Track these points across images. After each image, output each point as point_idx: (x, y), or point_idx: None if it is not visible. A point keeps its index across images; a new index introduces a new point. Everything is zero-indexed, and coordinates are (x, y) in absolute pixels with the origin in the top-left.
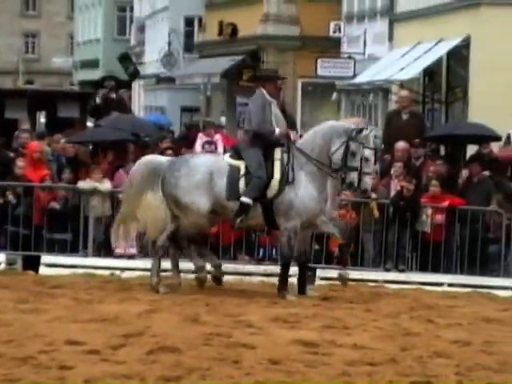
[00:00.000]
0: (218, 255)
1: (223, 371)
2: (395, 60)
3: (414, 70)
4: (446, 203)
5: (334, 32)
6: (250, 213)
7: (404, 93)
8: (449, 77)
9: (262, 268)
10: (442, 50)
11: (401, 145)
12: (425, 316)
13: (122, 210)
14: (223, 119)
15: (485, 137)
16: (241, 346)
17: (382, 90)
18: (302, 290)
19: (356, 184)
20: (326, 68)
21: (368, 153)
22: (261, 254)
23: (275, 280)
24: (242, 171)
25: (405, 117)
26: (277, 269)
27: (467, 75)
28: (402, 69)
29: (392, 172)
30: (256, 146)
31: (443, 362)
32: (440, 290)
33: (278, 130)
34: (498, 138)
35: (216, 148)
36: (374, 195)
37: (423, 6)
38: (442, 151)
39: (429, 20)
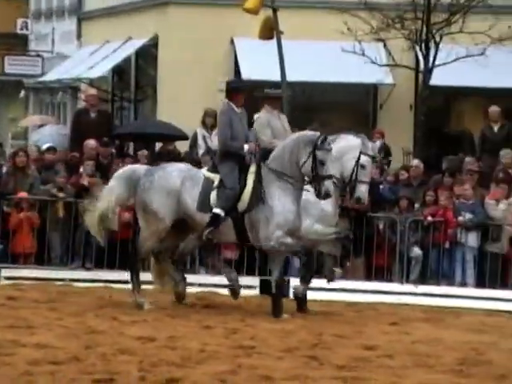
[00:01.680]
0: None
1: None
2: (84, 58)
3: (102, 69)
4: None
5: (21, 29)
6: (220, 227)
7: (92, 91)
8: (138, 75)
9: None
10: (130, 49)
11: (90, 143)
12: (110, 314)
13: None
14: None
15: (171, 136)
16: None
17: (71, 88)
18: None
19: (331, 193)
20: (13, 65)
21: (364, 160)
22: None
23: None
24: (216, 183)
25: (93, 115)
26: None
27: (156, 74)
28: (91, 67)
29: (81, 170)
30: (231, 159)
31: (126, 358)
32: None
33: (246, 147)
34: (184, 138)
35: None
36: (61, 194)
37: (111, 5)
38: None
39: (117, 19)
